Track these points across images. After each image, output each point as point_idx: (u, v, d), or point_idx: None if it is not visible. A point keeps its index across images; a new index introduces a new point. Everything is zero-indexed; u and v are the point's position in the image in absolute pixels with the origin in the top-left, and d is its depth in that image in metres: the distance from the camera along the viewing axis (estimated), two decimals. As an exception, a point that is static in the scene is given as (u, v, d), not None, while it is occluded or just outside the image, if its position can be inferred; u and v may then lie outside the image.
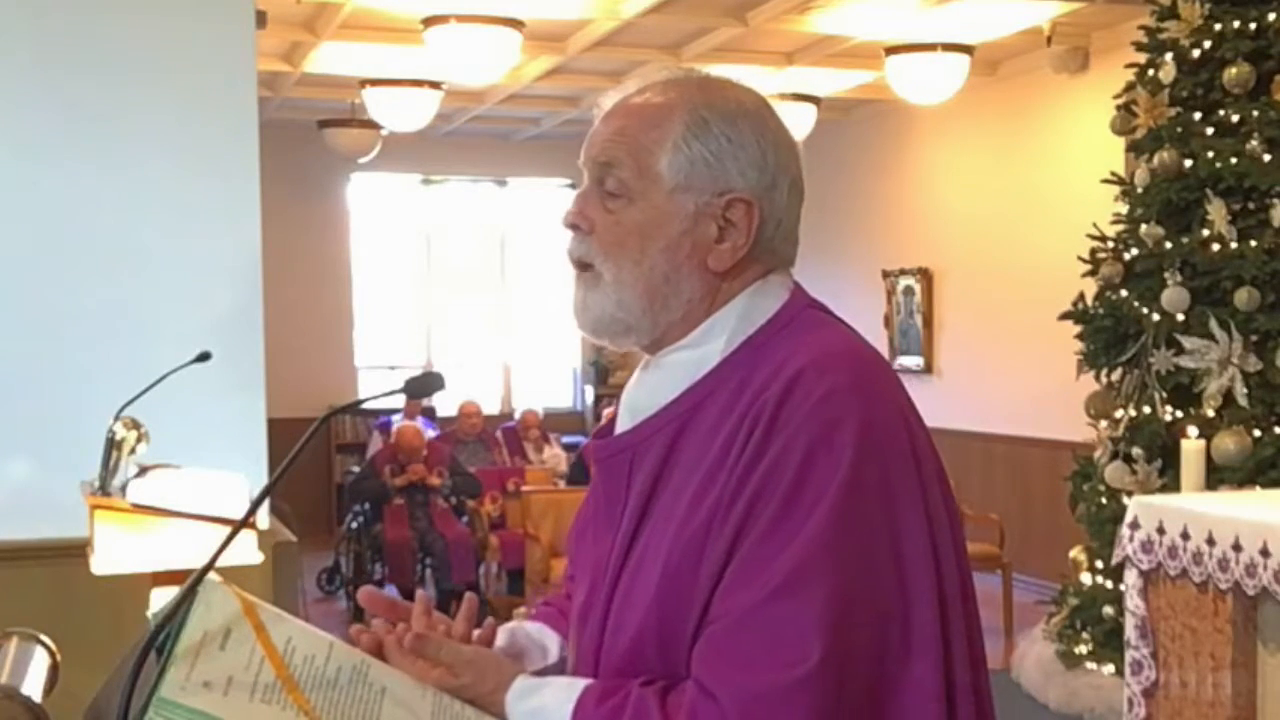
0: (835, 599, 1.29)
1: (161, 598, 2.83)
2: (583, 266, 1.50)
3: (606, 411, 9.74)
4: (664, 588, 1.37)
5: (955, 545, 1.42)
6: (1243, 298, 5.01)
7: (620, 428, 1.53)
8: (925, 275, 9.97)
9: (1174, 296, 5.16)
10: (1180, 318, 5.18)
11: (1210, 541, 3.63)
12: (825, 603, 1.29)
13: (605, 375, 12.56)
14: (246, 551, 2.93)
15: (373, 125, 9.46)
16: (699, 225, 1.46)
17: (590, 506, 1.59)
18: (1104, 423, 5.56)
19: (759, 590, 1.30)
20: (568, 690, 1.38)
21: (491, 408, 11.87)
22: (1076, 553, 5.71)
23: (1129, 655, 3.93)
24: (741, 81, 1.54)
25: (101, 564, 3.00)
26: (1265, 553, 3.46)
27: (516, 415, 10.69)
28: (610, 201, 1.47)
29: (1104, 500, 5.47)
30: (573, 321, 1.52)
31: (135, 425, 3.28)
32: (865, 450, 1.34)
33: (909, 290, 10.10)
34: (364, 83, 8.61)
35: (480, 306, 12.66)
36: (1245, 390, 5.02)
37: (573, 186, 14.10)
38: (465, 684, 1.41)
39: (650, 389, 1.51)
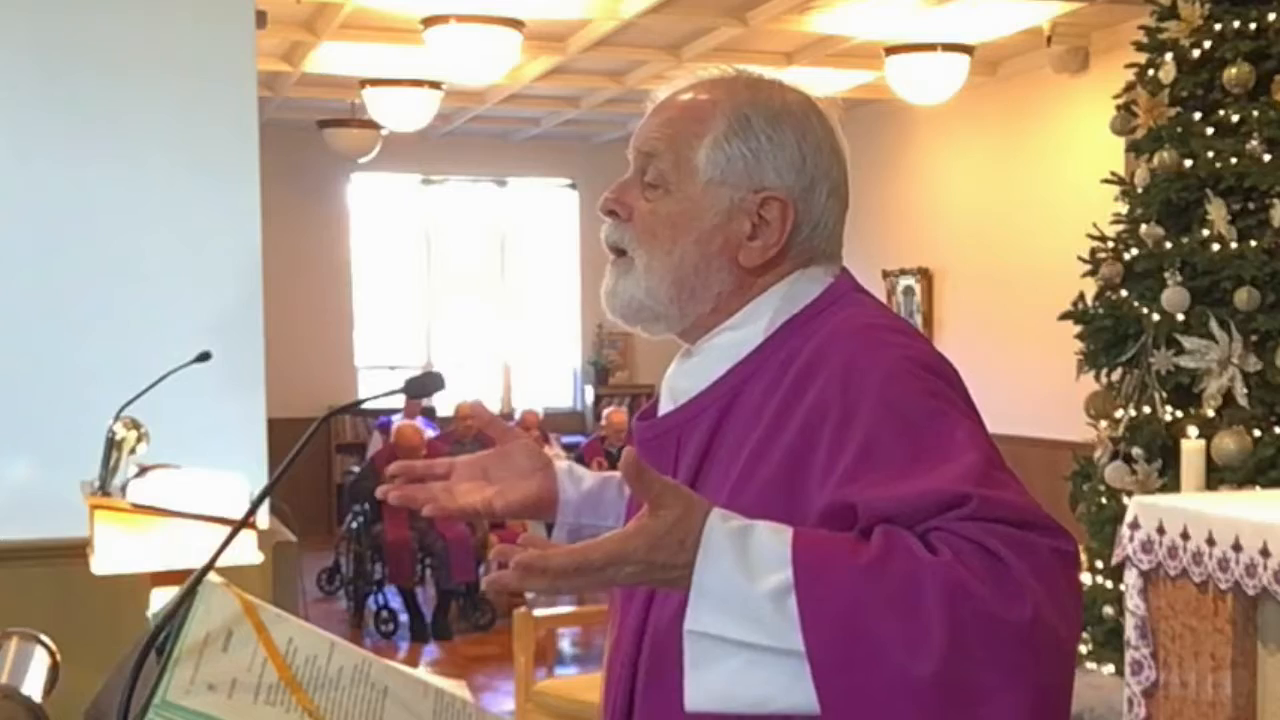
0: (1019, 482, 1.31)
1: (161, 598, 2.83)
2: (617, 252, 1.52)
3: (608, 412, 9.74)
4: None
5: None
6: (1243, 298, 5.01)
7: (663, 409, 1.55)
8: (925, 275, 9.97)
9: (1174, 296, 5.16)
10: (1180, 318, 5.17)
11: (1210, 541, 3.63)
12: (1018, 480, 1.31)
13: (605, 375, 12.56)
14: (246, 551, 2.92)
15: (373, 125, 9.46)
16: (732, 220, 1.48)
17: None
18: (1104, 423, 5.55)
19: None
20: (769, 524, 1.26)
21: (491, 408, 11.82)
22: (1076, 553, 5.71)
23: (1129, 655, 3.93)
24: (795, 84, 1.55)
25: (101, 564, 3.00)
26: (1265, 553, 3.45)
27: (516, 415, 10.69)
28: (649, 192, 1.50)
29: (1104, 500, 5.46)
30: (604, 305, 1.54)
31: (135, 425, 3.28)
32: (953, 399, 1.38)
33: (909, 290, 10.11)
34: (364, 83, 8.61)
35: (480, 306, 12.66)
36: (1245, 390, 5.01)
37: (573, 186, 14.05)
38: (672, 520, 1.22)
39: (692, 371, 1.52)
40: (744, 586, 1.20)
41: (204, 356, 3.52)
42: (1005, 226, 9.15)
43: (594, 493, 1.66)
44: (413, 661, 7.47)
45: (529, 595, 1.36)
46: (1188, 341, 5.13)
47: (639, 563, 1.22)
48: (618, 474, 1.62)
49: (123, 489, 3.14)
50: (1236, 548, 3.54)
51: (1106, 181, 5.78)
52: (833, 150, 1.52)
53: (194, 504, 2.99)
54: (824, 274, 1.52)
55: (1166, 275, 5.21)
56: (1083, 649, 5.49)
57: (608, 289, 1.53)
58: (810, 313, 1.48)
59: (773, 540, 1.22)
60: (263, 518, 3.91)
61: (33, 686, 1.38)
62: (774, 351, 1.46)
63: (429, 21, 7.07)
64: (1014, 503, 1.25)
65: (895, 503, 1.24)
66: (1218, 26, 5.21)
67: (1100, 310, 5.48)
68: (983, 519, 1.21)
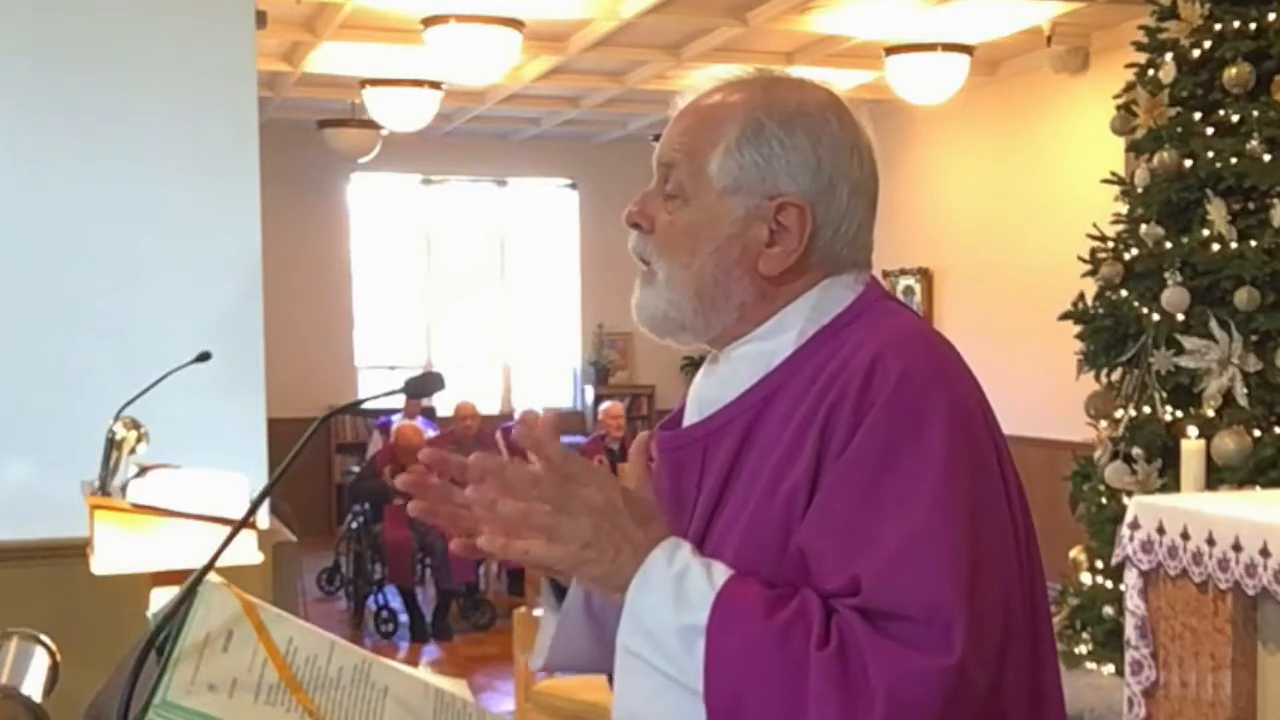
0: (963, 554, 1.28)
1: (161, 598, 2.82)
2: (645, 263, 1.51)
3: (604, 406, 9.74)
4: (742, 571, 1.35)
5: (1029, 530, 1.41)
6: (1243, 298, 5.01)
7: (689, 420, 1.53)
8: (925, 275, 9.97)
9: (1174, 296, 5.16)
10: (1180, 318, 5.18)
11: (1210, 541, 3.63)
12: (954, 556, 1.28)
13: (605, 375, 12.56)
14: (246, 551, 2.92)
15: (373, 125, 9.45)
16: (749, 229, 1.45)
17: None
18: (1104, 423, 5.55)
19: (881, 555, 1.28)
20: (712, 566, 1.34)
21: (491, 408, 11.86)
22: (1076, 553, 5.71)
23: (1129, 655, 3.93)
24: (818, 82, 1.52)
25: (101, 564, 3.00)
26: (1265, 553, 3.46)
27: (516, 415, 10.68)
28: (669, 203, 1.48)
29: (1104, 500, 5.46)
30: (634, 318, 1.53)
31: (135, 425, 3.28)
32: (953, 430, 1.34)
33: (909, 290, 10.10)
34: (364, 83, 8.61)
35: (480, 306, 12.65)
36: (1245, 390, 5.01)
37: (573, 186, 14.01)
38: (650, 503, 1.40)
39: (720, 381, 1.51)
40: (666, 616, 1.30)
41: (204, 356, 3.52)
42: (1005, 226, 9.15)
43: None
44: (413, 661, 7.47)
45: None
46: (1188, 341, 5.14)
47: (607, 505, 1.31)
48: None
49: (123, 489, 3.14)
50: (1236, 548, 3.54)
51: (1106, 181, 5.78)
52: (854, 149, 1.48)
53: (194, 504, 2.98)
54: (854, 282, 1.49)
55: (1166, 275, 5.21)
56: (1083, 649, 5.50)
57: (635, 302, 1.52)
58: (840, 323, 1.45)
59: (705, 582, 1.31)
60: (263, 518, 3.91)
61: (33, 686, 1.38)
62: (804, 363, 1.44)
63: (429, 21, 7.07)
64: (914, 597, 1.26)
65: (818, 556, 1.32)
66: (1218, 26, 5.22)
67: (1100, 310, 5.48)
68: (873, 611, 1.26)
